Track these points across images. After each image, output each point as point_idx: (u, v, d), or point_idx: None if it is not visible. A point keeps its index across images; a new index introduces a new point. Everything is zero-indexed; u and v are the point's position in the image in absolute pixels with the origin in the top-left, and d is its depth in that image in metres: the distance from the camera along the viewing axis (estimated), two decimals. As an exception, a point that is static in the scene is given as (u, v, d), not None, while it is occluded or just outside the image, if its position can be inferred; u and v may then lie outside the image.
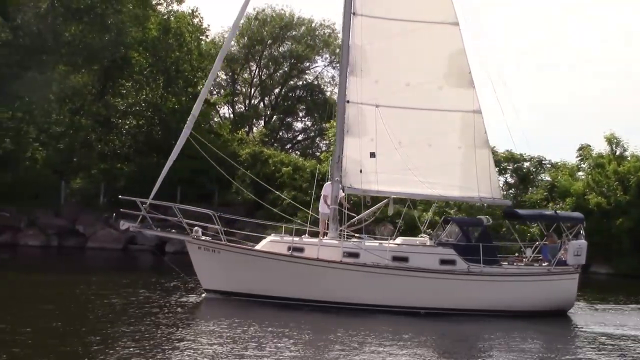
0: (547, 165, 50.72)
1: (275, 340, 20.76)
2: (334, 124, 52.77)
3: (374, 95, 29.13)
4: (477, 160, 29.29)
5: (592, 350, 22.25)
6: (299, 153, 65.95)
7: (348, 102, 29.27)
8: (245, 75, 70.84)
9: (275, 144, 65.57)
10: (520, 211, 32.04)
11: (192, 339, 20.58)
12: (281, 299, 26.99)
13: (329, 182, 29.35)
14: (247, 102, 70.97)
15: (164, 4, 55.41)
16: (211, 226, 27.56)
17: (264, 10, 68.58)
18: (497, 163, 49.90)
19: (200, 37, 56.30)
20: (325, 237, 28.25)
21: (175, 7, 55.20)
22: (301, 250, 27.54)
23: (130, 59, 51.52)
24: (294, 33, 69.13)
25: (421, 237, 29.56)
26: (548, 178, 49.67)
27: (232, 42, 29.89)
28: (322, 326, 24.01)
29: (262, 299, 26.99)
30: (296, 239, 27.87)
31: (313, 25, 69.43)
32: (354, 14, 29.22)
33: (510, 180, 50.62)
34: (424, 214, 35.19)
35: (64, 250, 43.30)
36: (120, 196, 28.39)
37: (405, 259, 27.50)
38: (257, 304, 26.52)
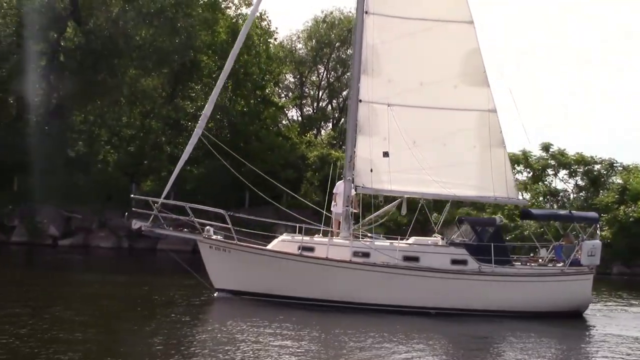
0: (619, 168, 49.81)
1: (279, 342, 20.56)
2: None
3: (387, 94, 28.81)
4: (492, 159, 28.90)
5: (600, 351, 21.85)
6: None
7: (360, 101, 28.95)
8: (313, 77, 70.92)
9: (343, 147, 65.40)
10: (535, 211, 31.43)
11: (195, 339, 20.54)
12: (291, 299, 26.80)
13: (341, 182, 29.07)
14: (315, 104, 71.05)
15: (233, 8, 55.90)
16: (222, 226, 27.37)
17: (331, 13, 68.66)
18: (568, 165, 49.44)
19: (269, 40, 56.58)
20: (337, 237, 28.00)
21: (243, 10, 55.63)
22: (311, 249, 27.33)
23: (200, 62, 52.03)
24: (361, 35, 68.86)
25: (434, 237, 28.97)
26: (620, 181, 48.79)
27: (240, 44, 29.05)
28: (330, 326, 23.49)
29: (273, 299, 26.81)
30: (307, 238, 27.65)
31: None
32: (366, 12, 28.93)
33: (580, 183, 49.90)
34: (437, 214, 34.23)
35: (135, 252, 43.78)
36: (132, 195, 28.86)
37: (416, 259, 27.21)
38: (269, 303, 26.33)
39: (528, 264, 28.60)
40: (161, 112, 50.77)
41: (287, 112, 65.14)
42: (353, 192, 28.79)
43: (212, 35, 52.50)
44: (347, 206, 28.51)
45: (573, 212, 31.21)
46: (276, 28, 58.42)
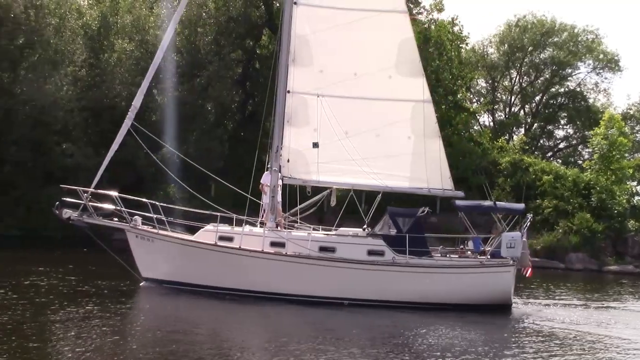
0: None
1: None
2: (597, 131, 51.72)
3: (319, 85, 28.26)
4: (427, 150, 28.24)
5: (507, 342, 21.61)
6: (560, 161, 64.33)
7: (289, 92, 28.44)
8: (506, 82, 69.99)
9: (535, 152, 64.24)
10: (459, 202, 29.13)
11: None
12: (208, 288, 26.74)
13: (267, 172, 28.54)
14: (507, 110, 70.07)
15: (424, 13, 55.86)
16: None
17: (524, 16, 67.61)
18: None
19: (460, 46, 56.21)
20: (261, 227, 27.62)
21: (435, 15, 55.50)
22: (230, 239, 26.91)
23: (390, 69, 52.19)
24: (555, 39, 67.46)
25: (363, 228, 28.10)
26: None
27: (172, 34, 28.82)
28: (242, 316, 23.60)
29: (192, 288, 26.82)
30: (227, 228, 27.24)
31: (575, 31, 67.48)
32: (295, 3, 28.46)
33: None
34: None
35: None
36: (61, 185, 28.53)
37: (332, 250, 26.66)
38: (189, 293, 26.46)
39: (448, 255, 27.61)
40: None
41: (478, 117, 64.51)
42: (280, 182, 28.43)
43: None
44: (272, 196, 28.12)
45: (497, 203, 29.32)
46: (468, 33, 57.94)
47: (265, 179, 28.63)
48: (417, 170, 28.37)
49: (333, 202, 29.08)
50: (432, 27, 54.06)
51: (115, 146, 27.38)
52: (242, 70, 48.99)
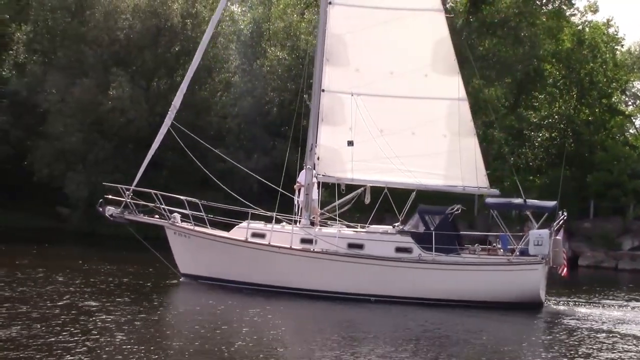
0: None
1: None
2: None
3: (355, 83, 28.46)
4: (462, 148, 28.11)
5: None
6: None
7: (324, 90, 28.69)
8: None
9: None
10: (489, 200, 28.57)
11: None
12: (240, 284, 27.42)
13: (303, 171, 28.87)
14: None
15: (578, 15, 54.67)
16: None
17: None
18: None
19: (615, 48, 54.67)
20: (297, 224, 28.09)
21: (589, 17, 54.24)
22: (263, 236, 27.44)
23: (543, 71, 51.33)
24: None
25: (394, 225, 28.17)
26: None
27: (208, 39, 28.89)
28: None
29: (226, 284, 27.49)
30: (260, 225, 27.88)
31: None
32: (330, 3, 28.75)
33: None
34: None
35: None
36: (104, 182, 29.32)
37: (360, 247, 27.03)
38: (225, 288, 27.13)
39: (477, 253, 27.31)
40: (504, 122, 50.67)
41: (634, 120, 62.52)
42: (315, 180, 28.76)
43: (556, 43, 51.67)
44: (306, 194, 28.50)
45: (527, 200, 28.76)
46: (624, 35, 56.36)
47: (302, 177, 29.08)
48: (452, 168, 28.39)
49: (367, 200, 29.28)
50: (586, 29, 52.78)
51: (155, 145, 28.63)
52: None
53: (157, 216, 28.54)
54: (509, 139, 50.85)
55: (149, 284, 28.08)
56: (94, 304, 23.35)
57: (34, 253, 33.01)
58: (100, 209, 28.02)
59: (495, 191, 28.92)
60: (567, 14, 53.77)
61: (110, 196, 28.06)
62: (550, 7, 52.32)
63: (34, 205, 46.67)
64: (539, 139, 52.38)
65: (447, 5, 49.24)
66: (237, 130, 47.20)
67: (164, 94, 46.47)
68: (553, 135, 51.94)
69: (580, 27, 53.25)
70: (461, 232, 29.40)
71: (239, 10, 54.35)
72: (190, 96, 46.04)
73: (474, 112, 49.51)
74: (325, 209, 29.41)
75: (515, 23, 48.30)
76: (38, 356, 16.75)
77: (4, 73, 49.62)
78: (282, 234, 27.48)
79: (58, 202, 46.80)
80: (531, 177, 50.71)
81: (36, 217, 46.15)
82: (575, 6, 54.31)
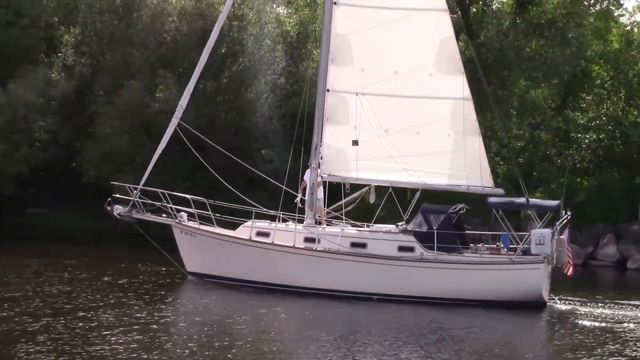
0: None
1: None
2: None
3: (360, 83, 28.80)
4: (466, 148, 28.49)
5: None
6: None
7: (328, 90, 29.09)
8: None
9: None
10: (492, 199, 28.40)
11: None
12: (244, 283, 27.88)
13: (309, 170, 29.23)
14: None
15: (627, 15, 54.14)
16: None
17: None
18: None
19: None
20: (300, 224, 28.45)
21: (638, 17, 53.73)
22: (267, 235, 27.77)
23: (591, 73, 50.86)
24: None
25: (398, 225, 28.57)
26: None
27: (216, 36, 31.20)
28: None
29: (230, 282, 28.02)
30: (265, 224, 28.29)
31: None
32: (335, 3, 29.09)
33: None
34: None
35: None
36: (112, 182, 29.87)
37: (363, 246, 27.31)
38: (230, 287, 27.79)
39: (479, 252, 27.62)
40: (551, 123, 50.27)
41: None
42: (320, 180, 29.13)
43: (604, 44, 51.17)
44: (311, 193, 28.88)
45: (530, 200, 28.72)
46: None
47: (307, 176, 29.51)
48: (456, 167, 28.73)
49: (372, 199, 29.61)
50: (635, 29, 52.22)
51: (163, 144, 29.37)
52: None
53: (164, 215, 29.07)
54: (555, 140, 50.46)
55: (156, 282, 28.85)
56: (105, 300, 24.53)
57: (80, 253, 33.46)
58: (109, 208, 28.60)
59: (500, 190, 29.18)
60: (615, 14, 53.30)
61: (118, 195, 28.84)
62: (598, 7, 51.81)
63: (82, 207, 47.10)
64: (587, 141, 51.81)
65: (493, 6, 49.14)
66: (282, 131, 47.34)
67: (211, 95, 46.74)
68: (601, 137, 51.34)
69: (628, 28, 52.81)
70: (466, 232, 29.50)
71: (285, 12, 54.48)
72: (236, 98, 46.39)
73: (521, 113, 49.69)
74: (331, 207, 29.87)
75: (563, 24, 47.81)
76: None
77: (53, 75, 50.08)
78: (286, 233, 27.86)
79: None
80: (578, 179, 50.26)
81: (85, 218, 46.58)
82: (623, 6, 53.88)
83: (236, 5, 47.99)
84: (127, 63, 48.01)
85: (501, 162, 51.00)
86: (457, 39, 48.84)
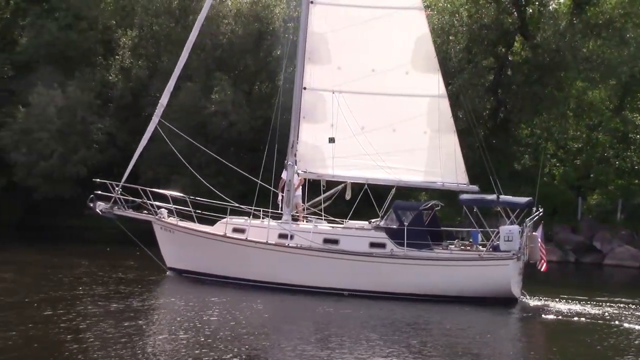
0: None
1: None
2: None
3: (337, 81, 29.14)
4: (442, 145, 28.82)
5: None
6: None
7: (305, 88, 29.43)
8: None
9: None
10: (463, 196, 28.48)
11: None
12: (220, 278, 28.38)
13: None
14: None
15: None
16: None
17: None
18: None
19: None
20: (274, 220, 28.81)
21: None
22: (242, 231, 28.19)
23: (650, 74, 50.12)
24: None
25: (371, 221, 28.96)
26: None
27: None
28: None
29: (207, 278, 28.57)
30: (241, 220, 28.65)
31: None
32: (312, 2, 29.48)
33: None
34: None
35: (581, 266, 43.13)
36: (94, 179, 29.86)
37: (335, 242, 27.61)
38: (208, 282, 28.33)
39: (449, 248, 27.98)
40: (608, 124, 49.62)
41: None
42: (296, 177, 29.51)
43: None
44: (288, 190, 29.30)
45: (500, 197, 28.29)
46: None
47: (284, 174, 29.97)
48: (432, 164, 29.15)
49: (348, 196, 29.95)
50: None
51: (143, 142, 30.06)
52: (494, 78, 48.55)
53: (145, 212, 29.69)
54: (613, 142, 49.82)
55: (135, 277, 29.54)
56: (97, 292, 25.65)
57: (136, 254, 33.90)
58: (91, 204, 29.20)
59: (474, 187, 29.32)
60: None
61: (99, 192, 29.37)
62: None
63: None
64: (646, 142, 51.07)
65: (550, 7, 48.67)
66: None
67: (266, 97, 46.98)
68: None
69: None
70: (442, 228, 29.76)
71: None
72: (291, 99, 46.49)
73: (578, 114, 49.14)
74: (308, 204, 30.25)
75: (621, 24, 47.13)
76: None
77: (110, 77, 50.78)
78: (261, 229, 28.27)
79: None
80: (637, 181, 49.58)
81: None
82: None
83: (292, 7, 48.21)
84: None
85: (557, 164, 50.51)
86: (513, 40, 49.36)
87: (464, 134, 47.01)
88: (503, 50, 49.16)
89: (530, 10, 49.04)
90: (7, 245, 39.30)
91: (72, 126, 47.95)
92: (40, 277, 28.83)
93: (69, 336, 19.32)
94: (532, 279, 28.99)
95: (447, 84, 46.50)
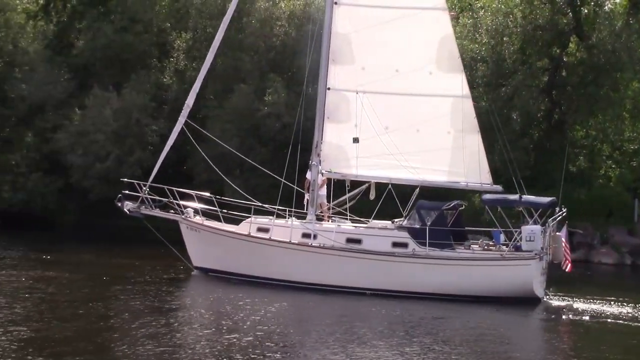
0: None
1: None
2: None
3: (361, 82, 29.36)
4: (465, 145, 28.87)
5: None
6: None
7: (329, 89, 29.56)
8: None
9: None
10: (485, 196, 28.29)
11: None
12: (245, 277, 28.64)
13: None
14: None
15: None
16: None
17: None
18: None
19: None
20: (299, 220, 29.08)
21: None
22: (266, 231, 28.47)
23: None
24: None
25: (394, 221, 29.14)
26: None
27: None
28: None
29: (232, 277, 28.81)
30: (266, 220, 28.92)
31: None
32: (336, 3, 29.64)
33: None
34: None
35: (638, 269, 42.57)
36: (122, 179, 30.59)
37: (358, 241, 27.75)
38: (233, 281, 28.68)
39: (471, 248, 28.12)
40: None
41: None
42: (320, 177, 29.64)
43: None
44: (312, 190, 29.55)
45: (523, 196, 28.27)
46: None
47: (309, 174, 30.27)
48: (455, 165, 29.25)
49: (372, 196, 30.05)
50: None
51: (170, 142, 30.40)
52: (548, 79, 48.11)
53: (171, 211, 30.06)
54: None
55: (162, 276, 30.09)
56: (111, 293, 25.99)
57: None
58: (119, 204, 29.65)
59: (498, 187, 29.34)
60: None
61: (127, 192, 29.90)
62: None
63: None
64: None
65: (606, 7, 48.10)
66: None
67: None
68: None
69: None
70: (466, 228, 29.79)
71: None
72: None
73: (634, 115, 48.51)
74: (333, 203, 30.47)
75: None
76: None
77: (165, 80, 51.27)
78: (284, 228, 28.57)
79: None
80: None
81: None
82: None
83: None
84: (237, 67, 48.76)
85: (613, 166, 49.94)
86: (568, 40, 48.86)
87: (520, 135, 46.94)
88: (558, 51, 48.68)
89: (586, 11, 48.49)
90: (65, 246, 40.06)
91: (128, 128, 48.51)
92: (90, 277, 29.46)
93: (104, 332, 20.19)
94: (583, 281, 28.91)
95: (501, 85, 46.63)
